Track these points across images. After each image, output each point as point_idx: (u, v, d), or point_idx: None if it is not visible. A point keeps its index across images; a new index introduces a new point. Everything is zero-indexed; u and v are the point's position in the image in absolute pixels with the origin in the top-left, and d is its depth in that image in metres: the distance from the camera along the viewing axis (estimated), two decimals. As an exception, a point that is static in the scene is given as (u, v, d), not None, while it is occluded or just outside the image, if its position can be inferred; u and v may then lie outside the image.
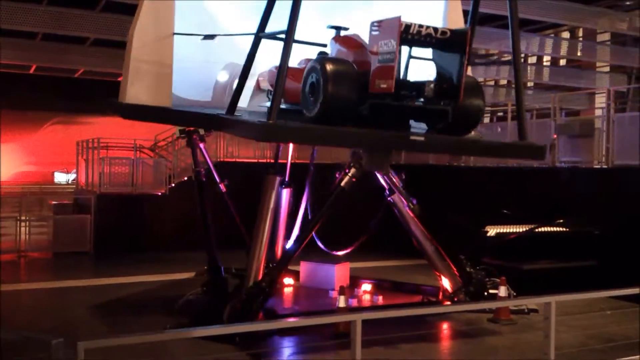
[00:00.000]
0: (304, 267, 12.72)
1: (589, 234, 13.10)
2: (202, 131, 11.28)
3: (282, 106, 9.07)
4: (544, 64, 28.64)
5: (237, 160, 20.23)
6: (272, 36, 7.56)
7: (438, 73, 7.67)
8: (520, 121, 8.49)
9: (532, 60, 26.97)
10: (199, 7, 9.99)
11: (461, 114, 7.61)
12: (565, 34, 27.13)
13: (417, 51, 7.86)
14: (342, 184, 9.32)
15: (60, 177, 31.06)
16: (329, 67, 7.14)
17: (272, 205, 10.25)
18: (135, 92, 9.00)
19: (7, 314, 10.38)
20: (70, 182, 29.42)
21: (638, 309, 9.97)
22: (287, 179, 11.39)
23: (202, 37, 9.19)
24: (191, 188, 18.59)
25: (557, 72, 27.45)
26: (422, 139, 7.58)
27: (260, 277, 9.80)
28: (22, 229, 17.70)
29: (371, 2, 11.00)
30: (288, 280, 12.47)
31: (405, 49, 7.47)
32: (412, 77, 7.90)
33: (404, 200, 10.49)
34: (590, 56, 26.82)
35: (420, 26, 7.17)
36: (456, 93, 7.33)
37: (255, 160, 20.46)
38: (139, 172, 19.28)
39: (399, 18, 6.94)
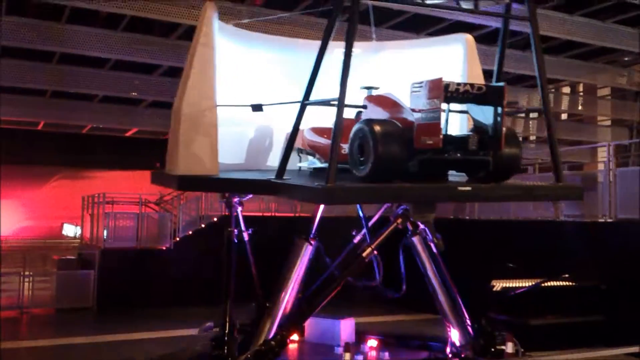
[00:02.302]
0: (308, 322, 12.61)
1: (594, 289, 13.01)
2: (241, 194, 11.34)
3: (321, 165, 9.33)
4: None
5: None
6: (319, 103, 7.89)
7: (476, 125, 8.05)
8: (555, 164, 8.70)
9: (534, 115, 27.30)
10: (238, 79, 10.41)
11: (500, 162, 7.91)
12: (566, 89, 27.53)
13: (454, 105, 8.29)
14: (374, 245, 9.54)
15: (69, 229, 31.08)
16: (377, 128, 7.43)
17: (297, 269, 10.34)
18: (186, 163, 9.24)
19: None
20: (78, 235, 29.46)
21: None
22: (312, 235, 11.33)
23: (251, 108, 9.46)
24: (196, 242, 18.85)
25: (558, 126, 27.70)
26: (469, 189, 7.89)
27: (271, 335, 9.78)
28: (25, 284, 17.66)
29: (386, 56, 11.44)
30: (293, 336, 12.34)
31: (444, 105, 7.82)
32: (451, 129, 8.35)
33: (429, 234, 10.50)
34: (591, 110, 27.19)
35: (458, 84, 7.64)
36: (497, 144, 7.70)
37: (261, 214, 20.57)
38: (144, 226, 19.35)
39: (441, 79, 7.33)
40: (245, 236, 11.16)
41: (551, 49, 19.47)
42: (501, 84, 7.93)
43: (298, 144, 9.73)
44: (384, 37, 17.64)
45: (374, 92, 9.35)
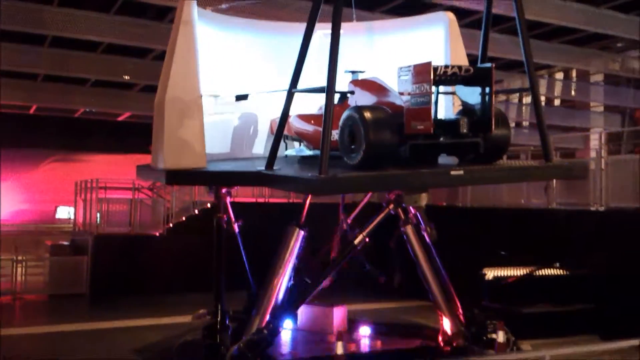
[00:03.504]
0: (301, 310, 12.62)
1: (586, 277, 13.11)
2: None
3: (309, 153, 9.27)
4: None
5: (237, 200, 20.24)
6: (309, 91, 7.83)
7: (464, 107, 8.02)
8: (544, 143, 8.63)
9: (527, 100, 27.29)
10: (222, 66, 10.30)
11: (490, 144, 7.91)
12: (559, 75, 27.51)
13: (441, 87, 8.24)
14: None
15: (63, 212, 30.91)
16: (367, 115, 7.39)
17: (289, 256, 10.31)
18: (173, 156, 9.12)
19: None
20: (72, 216, 29.32)
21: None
22: (302, 221, 11.31)
23: (235, 98, 9.36)
24: (189, 229, 18.83)
25: (551, 112, 27.73)
26: (462, 172, 7.82)
27: (264, 323, 9.79)
28: (18, 269, 17.63)
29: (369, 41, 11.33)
30: (285, 324, 12.38)
31: (433, 89, 7.76)
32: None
33: (422, 223, 10.51)
34: (584, 96, 27.18)
35: (446, 67, 7.60)
36: (487, 125, 7.68)
37: (255, 199, 20.60)
38: (137, 212, 19.30)
39: (429, 63, 7.27)
40: (236, 228, 11.13)
41: (544, 34, 19.42)
42: (489, 64, 7.87)
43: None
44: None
45: (360, 76, 9.24)
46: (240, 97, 9.28)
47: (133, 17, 17.40)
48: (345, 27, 10.80)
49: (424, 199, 10.07)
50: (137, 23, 17.55)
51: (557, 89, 26.66)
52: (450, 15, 10.71)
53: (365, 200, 12.04)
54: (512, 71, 22.03)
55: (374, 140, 7.31)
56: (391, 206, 9.75)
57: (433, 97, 7.49)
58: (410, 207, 10.48)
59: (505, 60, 20.24)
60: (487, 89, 7.65)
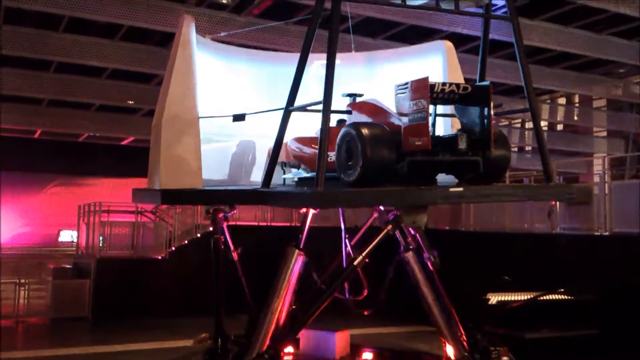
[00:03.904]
0: (303, 335, 12.56)
1: (590, 302, 13.01)
2: (227, 209, 11.25)
3: (307, 175, 9.27)
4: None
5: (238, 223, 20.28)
6: (304, 109, 7.83)
7: (463, 128, 7.98)
8: (545, 163, 8.58)
9: (530, 125, 27.36)
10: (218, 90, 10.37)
11: (489, 164, 7.85)
12: (562, 100, 27.62)
13: (441, 110, 8.29)
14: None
15: (66, 235, 30.93)
16: (364, 131, 7.37)
17: (288, 278, 10.23)
18: (169, 178, 9.10)
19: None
20: (75, 239, 29.31)
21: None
22: (302, 246, 11.29)
23: (232, 118, 9.37)
24: (192, 252, 18.81)
25: (554, 137, 27.81)
26: (461, 189, 7.78)
27: (264, 347, 9.70)
28: (21, 293, 17.60)
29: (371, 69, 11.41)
30: (287, 349, 12.30)
31: (431, 108, 7.76)
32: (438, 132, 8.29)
33: (425, 252, 10.40)
34: (587, 121, 27.26)
35: (443, 84, 7.57)
36: (486, 143, 7.62)
37: (257, 223, 20.62)
38: (140, 235, 19.30)
39: (426, 78, 7.27)
40: (235, 256, 11.11)
41: (547, 60, 19.57)
42: (487, 82, 7.90)
43: (281, 157, 9.68)
44: (379, 49, 17.78)
45: (358, 100, 9.24)
46: (238, 118, 9.28)
47: (137, 43, 17.60)
48: (344, 57, 11.00)
49: (423, 220, 9.92)
50: (141, 49, 17.75)
51: (560, 114, 26.74)
52: (448, 43, 10.79)
53: (368, 224, 12.01)
54: (514, 96, 22.14)
55: (372, 157, 7.26)
56: (390, 227, 9.62)
57: (431, 113, 7.49)
58: (410, 229, 10.38)
59: (507, 86, 20.36)
60: (486, 108, 7.63)
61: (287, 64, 10.21)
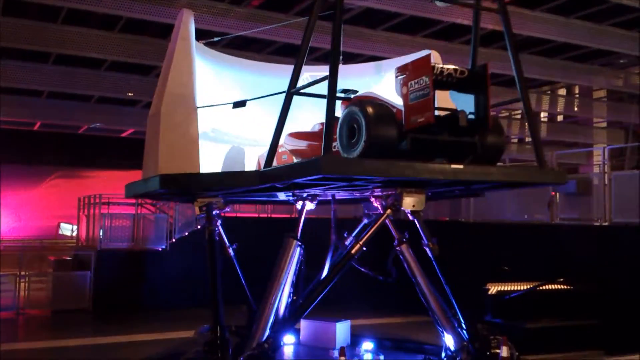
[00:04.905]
0: (304, 325, 12.62)
1: (590, 292, 13.04)
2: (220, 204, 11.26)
3: None
4: (542, 119, 29.08)
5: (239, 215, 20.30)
6: (309, 85, 7.94)
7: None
8: (537, 150, 8.76)
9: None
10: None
11: (484, 149, 8.00)
12: (562, 91, 27.58)
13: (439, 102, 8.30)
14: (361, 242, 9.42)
15: (66, 228, 30.99)
16: (369, 109, 7.46)
17: (287, 268, 10.27)
18: (168, 163, 9.13)
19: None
20: (75, 233, 29.38)
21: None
22: (299, 236, 11.30)
23: (232, 105, 9.39)
24: (192, 244, 18.83)
25: (554, 128, 27.79)
26: (461, 167, 7.88)
27: (264, 337, 9.72)
28: (21, 285, 17.63)
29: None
30: (288, 339, 12.35)
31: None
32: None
33: (423, 236, 10.40)
34: (587, 112, 27.23)
35: (442, 66, 7.69)
36: (484, 124, 7.76)
37: (257, 215, 20.61)
38: (140, 227, 19.32)
39: (428, 55, 7.47)
40: (230, 252, 11.13)
41: (548, 51, 19.52)
42: (482, 64, 7.97)
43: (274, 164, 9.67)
44: (380, 39, 17.75)
45: (353, 96, 9.28)
46: (238, 104, 9.30)
47: (136, 35, 17.56)
48: (353, 68, 11.01)
49: (422, 203, 9.90)
50: (140, 41, 17.71)
51: (560, 105, 26.70)
52: (435, 53, 10.96)
53: (365, 220, 11.99)
54: (514, 87, 22.05)
55: (375, 134, 7.37)
56: (389, 211, 9.61)
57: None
58: (408, 214, 10.37)
59: (508, 77, 20.30)
60: (483, 90, 7.73)
61: (276, 74, 10.36)
